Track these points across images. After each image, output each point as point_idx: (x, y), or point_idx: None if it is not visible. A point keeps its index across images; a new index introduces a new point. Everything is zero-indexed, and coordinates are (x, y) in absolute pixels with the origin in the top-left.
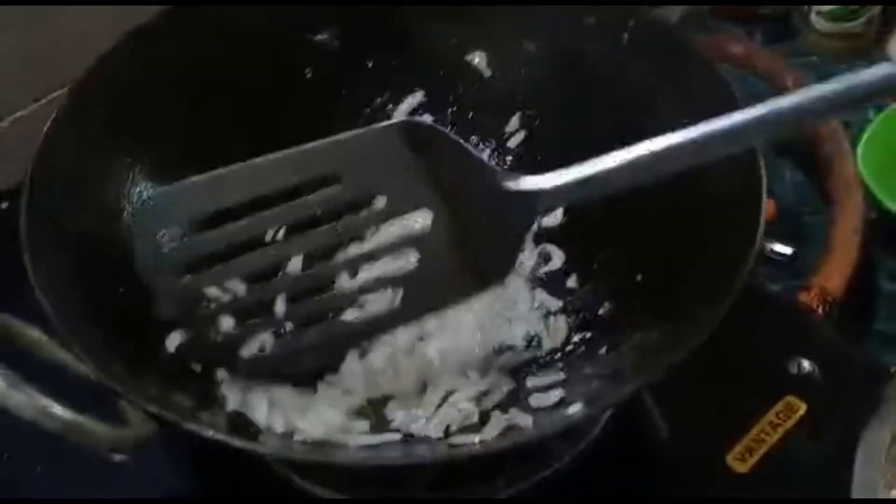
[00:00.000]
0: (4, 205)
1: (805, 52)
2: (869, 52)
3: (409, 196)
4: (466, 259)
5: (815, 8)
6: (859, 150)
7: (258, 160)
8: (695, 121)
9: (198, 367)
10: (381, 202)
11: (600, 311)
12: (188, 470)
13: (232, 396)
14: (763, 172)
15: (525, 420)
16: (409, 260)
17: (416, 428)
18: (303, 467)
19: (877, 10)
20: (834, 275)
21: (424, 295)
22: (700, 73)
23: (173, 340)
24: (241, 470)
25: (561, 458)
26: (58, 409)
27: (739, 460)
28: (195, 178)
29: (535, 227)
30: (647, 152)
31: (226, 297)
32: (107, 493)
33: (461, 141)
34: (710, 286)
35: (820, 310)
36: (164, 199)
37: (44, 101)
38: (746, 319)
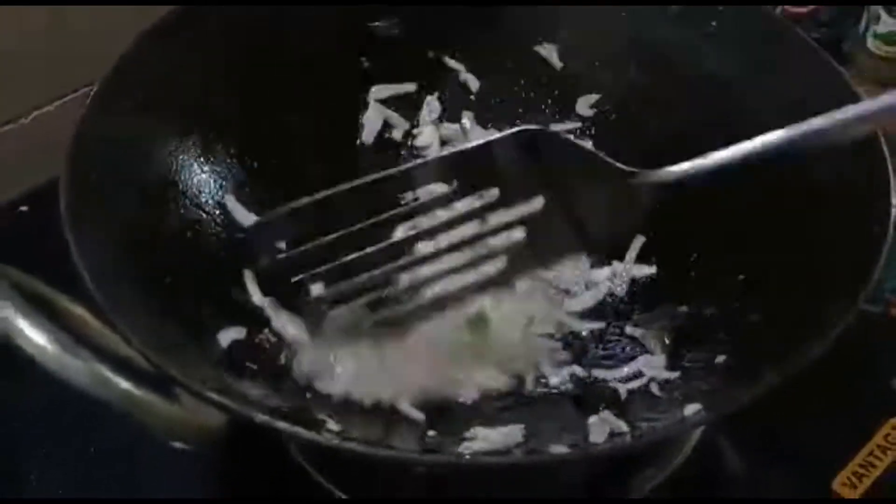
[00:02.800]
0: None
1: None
2: None
3: (520, 189)
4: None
5: (872, 30)
6: None
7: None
8: (801, 109)
9: (254, 366)
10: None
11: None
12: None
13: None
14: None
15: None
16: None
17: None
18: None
19: None
20: None
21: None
22: (803, 61)
23: (226, 336)
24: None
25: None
26: (116, 378)
27: (847, 486)
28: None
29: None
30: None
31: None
32: None
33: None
34: (833, 288)
35: None
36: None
37: (66, 98)
38: (847, 338)
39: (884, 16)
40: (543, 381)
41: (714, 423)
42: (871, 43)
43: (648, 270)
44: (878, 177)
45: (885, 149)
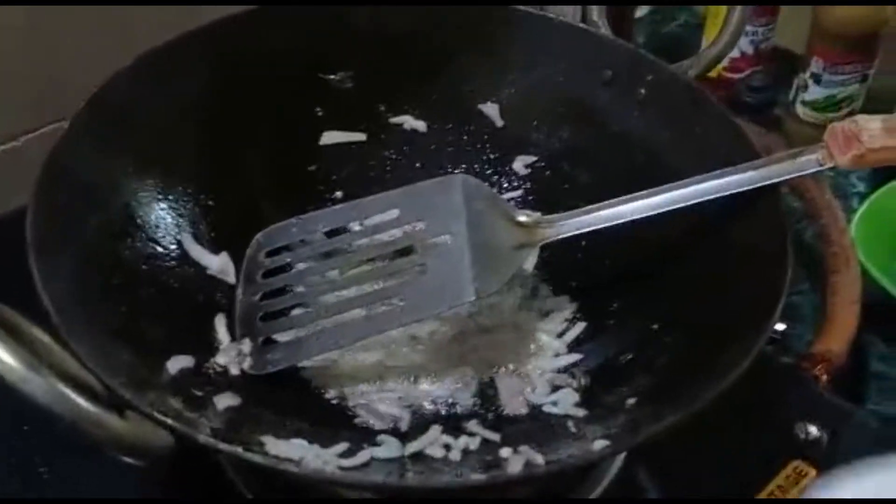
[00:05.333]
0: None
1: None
2: None
3: (445, 223)
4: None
5: (801, 97)
6: (853, 225)
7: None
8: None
9: (199, 392)
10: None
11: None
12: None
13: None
14: (786, 222)
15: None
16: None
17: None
18: None
19: (858, 104)
20: (835, 341)
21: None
22: (717, 126)
23: (175, 364)
24: None
25: None
26: (74, 396)
27: None
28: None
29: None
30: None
31: None
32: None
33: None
34: (735, 334)
35: (823, 377)
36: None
37: (57, 123)
38: (749, 384)
39: (811, 85)
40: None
41: (615, 454)
42: (799, 109)
43: (581, 327)
44: (776, 233)
45: (782, 205)
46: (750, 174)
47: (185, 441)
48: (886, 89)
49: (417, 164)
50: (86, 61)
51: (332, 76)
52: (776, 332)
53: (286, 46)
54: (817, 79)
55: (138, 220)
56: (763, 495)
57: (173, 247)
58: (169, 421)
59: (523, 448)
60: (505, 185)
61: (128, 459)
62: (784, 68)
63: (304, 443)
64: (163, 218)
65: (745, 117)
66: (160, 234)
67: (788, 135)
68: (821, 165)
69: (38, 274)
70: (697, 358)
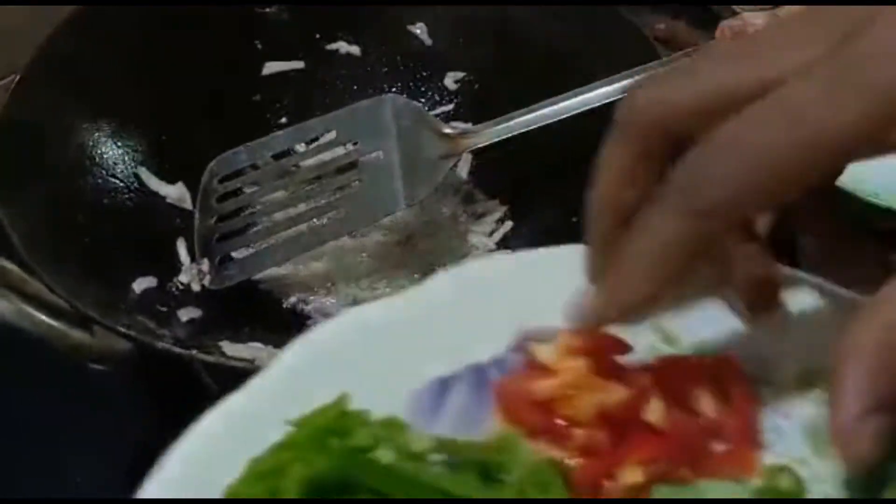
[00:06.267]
0: None
1: None
2: None
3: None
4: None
5: None
6: None
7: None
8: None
9: (163, 308)
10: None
11: None
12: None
13: None
14: None
15: None
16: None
17: None
18: None
19: None
20: None
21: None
22: (630, 36)
23: (140, 285)
24: None
25: None
26: (42, 316)
27: None
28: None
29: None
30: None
31: None
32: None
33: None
34: None
35: None
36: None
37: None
38: None
39: None
40: None
41: None
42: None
43: (508, 226)
44: None
45: None
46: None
47: (147, 349)
48: None
49: (354, 87)
50: (31, 14)
51: (268, 9)
52: None
53: None
54: None
55: (96, 159)
56: None
57: (132, 180)
58: (132, 333)
59: None
60: (437, 100)
61: (95, 366)
62: None
63: (260, 345)
64: (119, 155)
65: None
66: (119, 170)
67: None
68: None
69: (4, 213)
70: None
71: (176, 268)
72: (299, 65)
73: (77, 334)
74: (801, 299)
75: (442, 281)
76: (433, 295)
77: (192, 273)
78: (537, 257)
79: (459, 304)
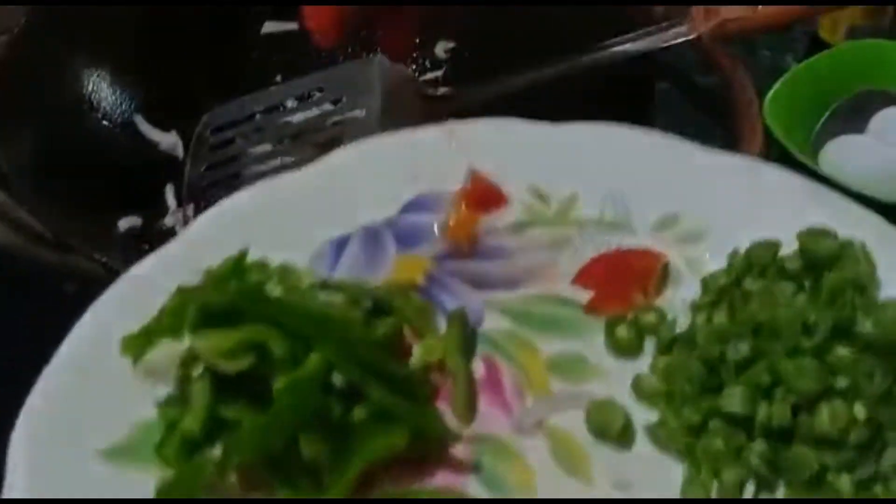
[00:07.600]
0: None
1: None
2: None
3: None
4: None
5: None
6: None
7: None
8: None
9: (146, 247)
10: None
11: None
12: None
13: None
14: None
15: None
16: None
17: None
18: None
19: None
20: None
21: None
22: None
23: (126, 223)
24: None
25: None
26: (23, 240)
27: None
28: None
29: None
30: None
31: None
32: None
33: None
34: None
35: None
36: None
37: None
38: None
39: None
40: None
41: None
42: None
43: None
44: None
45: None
46: (626, 46)
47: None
48: None
49: (349, 49)
50: None
51: None
52: None
53: None
54: None
55: (94, 104)
56: None
57: (127, 126)
58: (111, 264)
59: None
60: (427, 66)
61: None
62: None
63: None
64: (117, 103)
65: None
66: (115, 116)
67: None
68: (688, 36)
69: (1, 150)
70: None
71: (162, 211)
72: (295, 26)
73: (54, 257)
74: None
75: (341, 155)
76: (332, 167)
77: (177, 217)
78: (425, 136)
79: (355, 174)
